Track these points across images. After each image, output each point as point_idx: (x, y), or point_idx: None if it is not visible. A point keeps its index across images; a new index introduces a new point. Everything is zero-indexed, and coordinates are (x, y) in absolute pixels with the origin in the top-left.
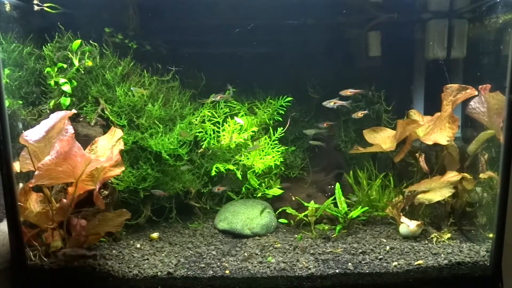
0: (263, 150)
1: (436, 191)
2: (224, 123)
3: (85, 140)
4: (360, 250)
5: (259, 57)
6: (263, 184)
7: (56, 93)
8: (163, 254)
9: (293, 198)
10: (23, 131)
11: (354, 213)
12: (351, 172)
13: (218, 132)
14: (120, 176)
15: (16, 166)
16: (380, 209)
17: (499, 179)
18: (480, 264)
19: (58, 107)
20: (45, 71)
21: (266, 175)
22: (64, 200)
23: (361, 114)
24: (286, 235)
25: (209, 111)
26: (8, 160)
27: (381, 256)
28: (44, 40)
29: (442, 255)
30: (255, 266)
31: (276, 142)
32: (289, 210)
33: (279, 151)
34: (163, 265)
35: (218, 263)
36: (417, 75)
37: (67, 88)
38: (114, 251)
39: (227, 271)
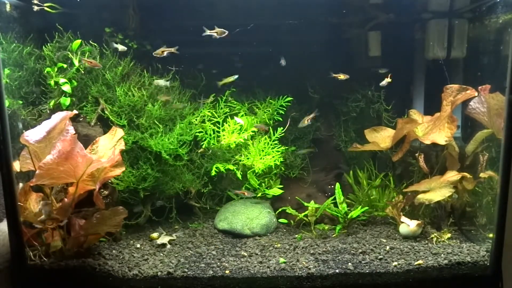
0: (263, 150)
1: (436, 191)
2: (224, 123)
3: (85, 140)
4: (360, 250)
5: (259, 57)
6: (263, 184)
7: (56, 93)
8: (162, 254)
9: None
10: (23, 131)
11: (354, 213)
12: (351, 172)
13: (218, 132)
14: (120, 176)
15: (16, 166)
16: (380, 209)
17: (499, 179)
18: (480, 264)
19: (58, 107)
20: (45, 71)
21: (266, 175)
22: (65, 200)
23: (307, 120)
24: (286, 235)
25: (209, 111)
26: (8, 160)
27: (381, 256)
28: (44, 40)
29: (442, 255)
30: (255, 266)
31: (276, 142)
32: (289, 210)
33: (279, 151)
34: (163, 265)
35: (218, 263)
36: (417, 75)
37: (67, 88)
38: (114, 251)
39: (227, 271)
